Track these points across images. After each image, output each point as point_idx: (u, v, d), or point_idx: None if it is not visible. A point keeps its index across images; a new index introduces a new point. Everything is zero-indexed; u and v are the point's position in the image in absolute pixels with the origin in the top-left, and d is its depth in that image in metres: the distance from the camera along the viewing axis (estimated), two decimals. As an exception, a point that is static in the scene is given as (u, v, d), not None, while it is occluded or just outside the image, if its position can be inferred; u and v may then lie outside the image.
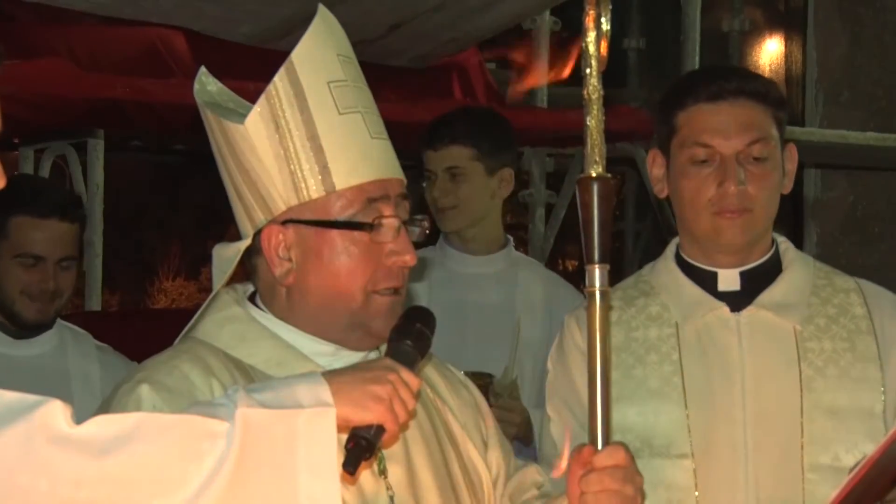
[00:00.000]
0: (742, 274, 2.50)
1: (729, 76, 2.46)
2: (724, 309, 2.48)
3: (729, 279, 2.50)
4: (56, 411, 1.57)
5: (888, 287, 2.60)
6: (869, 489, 2.06)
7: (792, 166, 2.51)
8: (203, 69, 2.13)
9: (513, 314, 3.70)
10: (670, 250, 2.58)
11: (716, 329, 2.47)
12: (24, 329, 3.43)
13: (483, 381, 3.10)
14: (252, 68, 4.19)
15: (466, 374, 2.99)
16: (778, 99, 2.48)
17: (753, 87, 2.44)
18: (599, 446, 1.94)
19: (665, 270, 2.56)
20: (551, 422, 2.52)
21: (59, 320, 3.57)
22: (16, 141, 5.70)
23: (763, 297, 2.48)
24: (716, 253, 2.49)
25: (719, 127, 2.42)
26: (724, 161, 2.41)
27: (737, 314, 2.47)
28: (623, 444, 1.98)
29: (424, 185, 3.76)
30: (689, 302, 2.50)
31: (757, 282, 2.50)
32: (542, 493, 2.23)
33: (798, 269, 2.52)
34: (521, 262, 3.89)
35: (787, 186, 2.51)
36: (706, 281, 2.50)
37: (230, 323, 2.05)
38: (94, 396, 3.40)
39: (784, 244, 2.56)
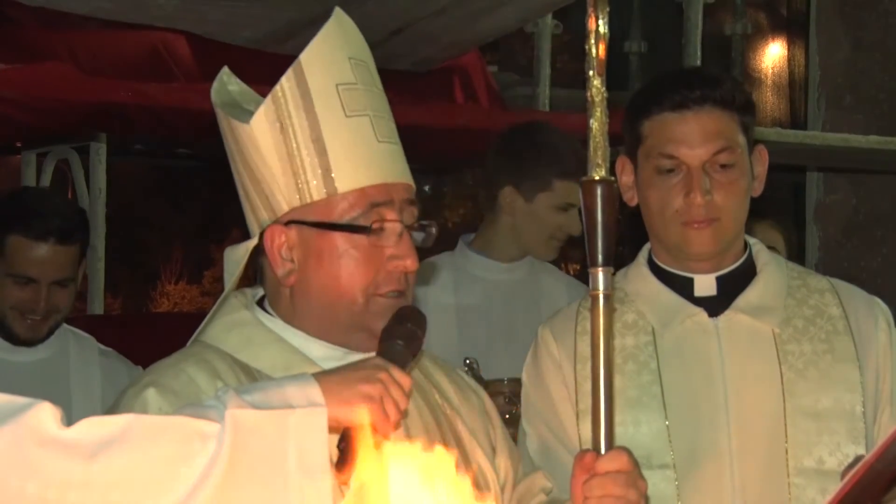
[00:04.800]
0: (718, 279, 2.47)
1: (693, 83, 2.41)
2: (702, 314, 2.45)
3: (705, 284, 2.47)
4: (45, 413, 1.57)
5: (891, 290, 2.59)
6: (864, 493, 2.06)
7: (762, 168, 2.48)
8: (225, 69, 2.13)
9: (539, 320, 3.73)
10: (643, 256, 2.55)
11: (695, 335, 2.45)
12: (16, 343, 3.41)
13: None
14: (254, 72, 4.19)
15: (510, 380, 2.98)
16: (744, 103, 2.44)
17: (718, 93, 2.39)
18: (602, 451, 1.93)
19: (639, 277, 2.52)
20: (527, 436, 2.47)
21: (63, 325, 3.55)
22: (18, 145, 5.70)
23: (740, 301, 2.46)
24: (687, 260, 2.47)
25: (684, 137, 2.38)
26: (690, 171, 2.38)
27: (715, 319, 2.45)
28: (626, 449, 1.97)
29: (553, 207, 3.79)
30: (666, 308, 2.47)
31: (733, 286, 2.47)
32: (551, 498, 2.22)
33: (772, 272, 2.50)
34: (542, 268, 3.91)
35: (758, 189, 2.48)
36: (682, 287, 2.48)
37: (237, 327, 2.05)
38: (93, 402, 3.39)
39: (757, 246, 2.54)
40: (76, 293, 3.50)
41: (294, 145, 1.97)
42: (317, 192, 1.98)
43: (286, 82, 1.97)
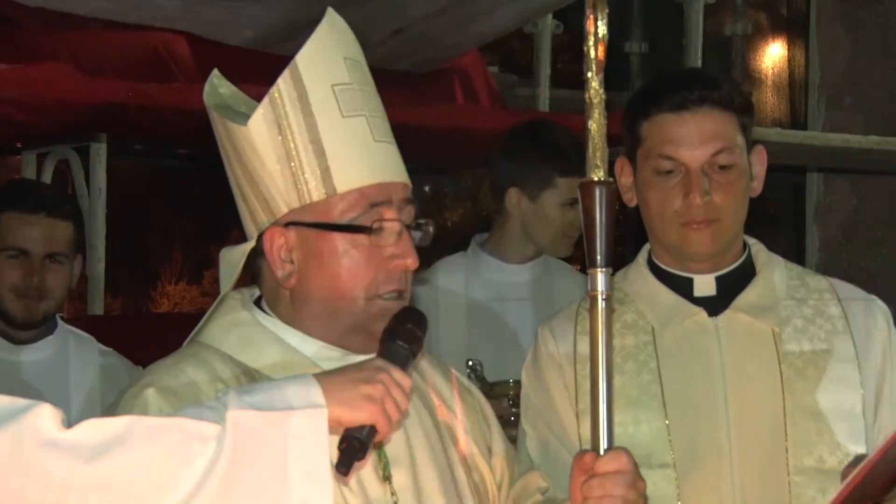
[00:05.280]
0: (718, 279, 2.48)
1: (691, 85, 2.42)
2: (702, 314, 2.46)
3: (705, 284, 2.48)
4: (46, 415, 1.57)
5: (891, 290, 2.59)
6: (866, 492, 2.06)
7: (761, 168, 2.49)
8: (216, 71, 2.13)
9: None
10: (642, 257, 2.55)
11: (695, 334, 2.45)
12: (14, 328, 3.43)
13: None
14: (254, 73, 4.20)
15: (515, 382, 2.98)
16: (743, 104, 2.45)
17: (717, 94, 2.41)
18: (601, 451, 1.93)
19: (639, 277, 2.53)
20: (527, 436, 2.47)
21: (63, 325, 3.57)
22: (18, 145, 5.70)
23: (739, 301, 2.47)
24: (687, 261, 2.48)
25: (683, 138, 2.39)
26: (689, 172, 2.39)
27: (714, 319, 2.46)
28: (625, 450, 1.97)
29: (559, 205, 3.77)
30: (666, 308, 2.48)
31: (732, 286, 2.48)
32: (547, 498, 2.23)
33: (772, 272, 2.51)
34: (555, 268, 3.90)
35: (757, 189, 2.49)
36: (682, 287, 2.49)
37: (236, 327, 2.05)
38: (93, 402, 3.40)
39: (756, 246, 2.54)
40: (72, 282, 3.51)
41: (292, 146, 1.98)
42: (316, 192, 1.98)
43: (283, 84, 1.98)
